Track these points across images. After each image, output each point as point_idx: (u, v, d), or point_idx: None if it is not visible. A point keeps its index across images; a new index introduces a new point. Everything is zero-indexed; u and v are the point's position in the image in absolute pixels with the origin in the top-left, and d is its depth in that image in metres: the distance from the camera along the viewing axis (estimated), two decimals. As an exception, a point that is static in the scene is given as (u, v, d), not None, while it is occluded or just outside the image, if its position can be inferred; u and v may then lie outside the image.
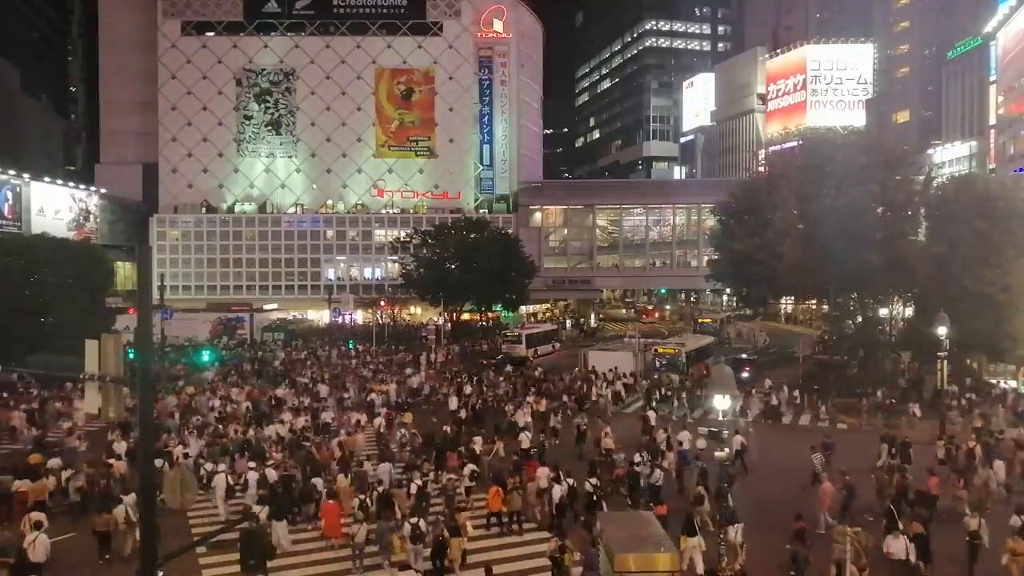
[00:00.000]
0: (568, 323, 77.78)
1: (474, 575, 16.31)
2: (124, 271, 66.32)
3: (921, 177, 41.21)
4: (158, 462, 19.13)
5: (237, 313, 65.37)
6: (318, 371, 42.69)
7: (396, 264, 72.70)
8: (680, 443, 24.53)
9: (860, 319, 43.03)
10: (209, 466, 22.08)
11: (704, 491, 19.49)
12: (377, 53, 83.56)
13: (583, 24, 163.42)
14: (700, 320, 68.11)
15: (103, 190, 78.39)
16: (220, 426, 27.63)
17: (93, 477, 20.69)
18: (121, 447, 23.84)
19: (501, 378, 41.29)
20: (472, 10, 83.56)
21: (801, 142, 59.07)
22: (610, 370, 41.04)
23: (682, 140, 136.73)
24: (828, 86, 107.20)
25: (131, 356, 23.79)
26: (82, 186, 77.06)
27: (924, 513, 18.21)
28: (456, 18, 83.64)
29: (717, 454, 24.06)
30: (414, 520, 16.91)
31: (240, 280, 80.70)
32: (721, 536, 16.86)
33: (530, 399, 32.91)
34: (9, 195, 64.96)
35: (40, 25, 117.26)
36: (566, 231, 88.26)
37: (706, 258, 72.88)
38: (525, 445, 24.53)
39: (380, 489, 19.69)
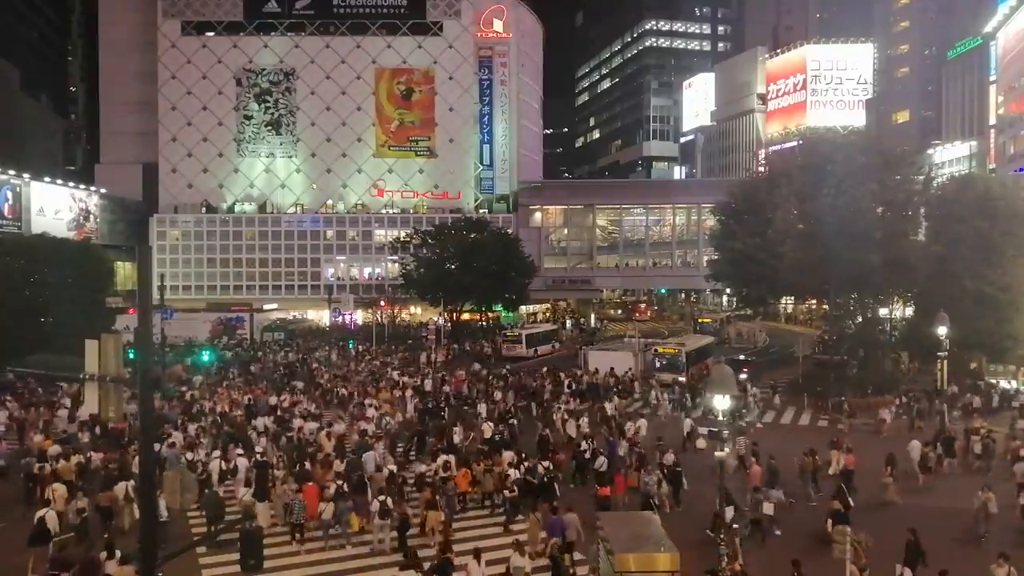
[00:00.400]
0: (568, 323, 77.81)
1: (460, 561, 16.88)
2: (124, 271, 66.32)
3: (921, 177, 41.19)
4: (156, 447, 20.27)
5: (237, 313, 65.45)
6: (330, 379, 41.18)
7: (396, 264, 72.71)
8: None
9: (860, 319, 42.99)
10: (203, 452, 24.04)
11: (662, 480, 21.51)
12: (377, 53, 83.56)
13: (583, 24, 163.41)
14: (700, 320, 68.11)
15: (103, 190, 78.39)
16: (217, 418, 29.55)
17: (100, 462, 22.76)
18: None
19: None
20: (472, 10, 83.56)
21: (801, 142, 58.94)
22: (610, 370, 41.15)
23: (682, 140, 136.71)
24: (828, 86, 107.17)
25: (131, 356, 23.81)
26: (82, 186, 77.05)
27: (843, 487, 20.61)
28: (456, 18, 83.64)
29: (717, 454, 24.00)
30: (382, 498, 18.55)
31: (240, 280, 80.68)
32: (722, 538, 16.85)
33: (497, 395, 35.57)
34: (9, 195, 64.95)
35: (40, 25, 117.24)
36: (566, 231, 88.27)
37: (706, 258, 72.90)
38: (487, 435, 26.60)
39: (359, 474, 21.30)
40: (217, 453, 23.45)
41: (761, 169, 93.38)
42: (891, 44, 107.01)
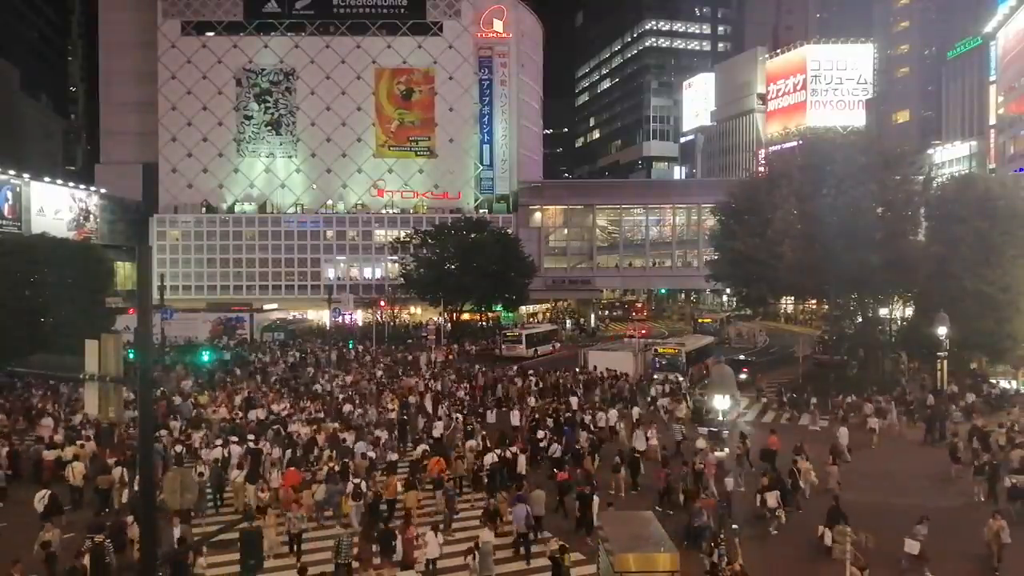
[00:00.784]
0: (568, 323, 77.82)
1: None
2: (124, 271, 66.30)
3: (921, 177, 41.23)
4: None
5: (237, 313, 65.36)
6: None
7: (396, 264, 72.70)
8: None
9: (860, 319, 43.02)
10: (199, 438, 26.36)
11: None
12: (377, 53, 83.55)
13: (583, 24, 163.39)
14: (700, 320, 68.18)
15: (103, 190, 78.38)
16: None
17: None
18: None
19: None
20: (472, 10, 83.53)
21: (801, 142, 58.95)
22: (607, 370, 41.21)
23: (682, 140, 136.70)
24: (828, 86, 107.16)
25: (131, 356, 23.89)
26: (82, 186, 77.03)
27: (767, 466, 22.96)
28: (456, 18, 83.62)
29: (717, 454, 24.07)
30: (356, 481, 20.61)
31: (240, 280, 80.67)
32: (722, 538, 16.87)
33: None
34: (9, 195, 64.94)
35: (40, 25, 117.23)
36: (566, 231, 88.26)
37: (706, 258, 72.87)
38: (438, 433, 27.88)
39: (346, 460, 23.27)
40: (219, 442, 25.36)
41: (761, 169, 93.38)
42: (891, 44, 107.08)
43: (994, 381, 38.84)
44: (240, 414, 31.21)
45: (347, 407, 31.92)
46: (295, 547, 18.60)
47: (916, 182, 40.06)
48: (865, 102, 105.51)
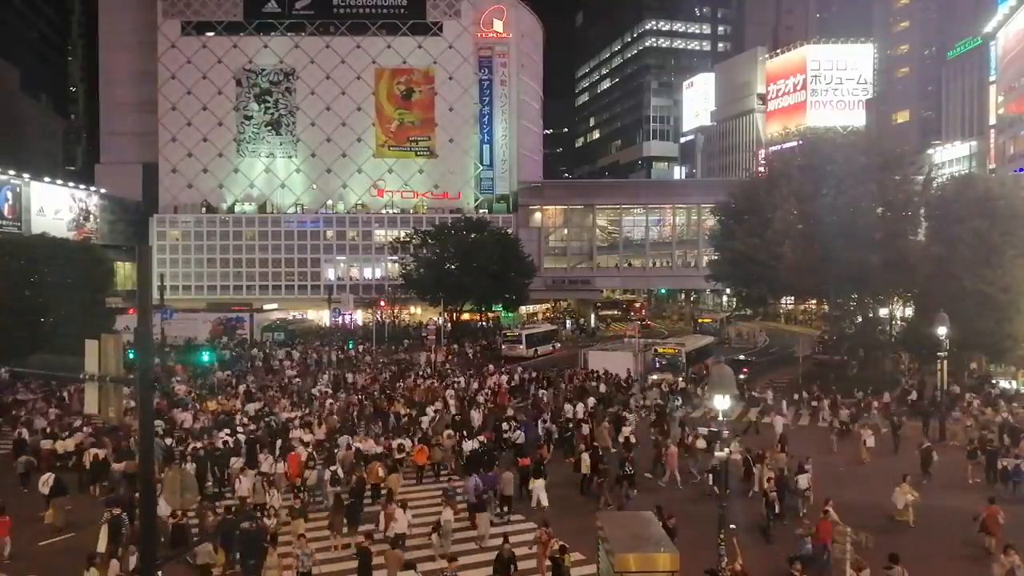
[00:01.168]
0: (568, 323, 77.80)
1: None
2: (124, 271, 66.30)
3: (921, 177, 41.26)
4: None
5: (237, 313, 65.32)
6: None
7: (396, 264, 72.68)
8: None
9: (860, 319, 43.05)
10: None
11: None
12: (377, 53, 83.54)
13: (583, 24, 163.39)
14: (700, 320, 68.22)
15: (103, 190, 78.35)
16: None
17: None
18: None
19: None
20: (472, 10, 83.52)
21: (801, 142, 58.98)
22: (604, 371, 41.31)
23: (682, 140, 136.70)
24: (828, 86, 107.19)
25: (131, 356, 23.94)
26: (82, 186, 77.01)
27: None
28: (456, 18, 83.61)
29: (717, 454, 24.04)
30: (333, 468, 22.42)
31: (240, 280, 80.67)
32: (721, 537, 16.87)
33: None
34: (9, 195, 64.94)
35: (40, 25, 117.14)
36: (566, 231, 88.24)
37: (706, 258, 72.89)
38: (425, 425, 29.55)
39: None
40: (226, 431, 27.11)
41: (761, 169, 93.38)
42: (891, 44, 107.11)
43: (994, 381, 38.87)
44: (240, 406, 32.21)
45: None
46: None
47: (916, 182, 40.11)
48: (865, 102, 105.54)
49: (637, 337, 46.91)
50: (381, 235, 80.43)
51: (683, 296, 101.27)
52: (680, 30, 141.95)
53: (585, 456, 23.72)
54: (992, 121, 77.01)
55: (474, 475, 21.37)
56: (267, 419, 29.82)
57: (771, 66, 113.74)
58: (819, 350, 48.73)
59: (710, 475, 22.48)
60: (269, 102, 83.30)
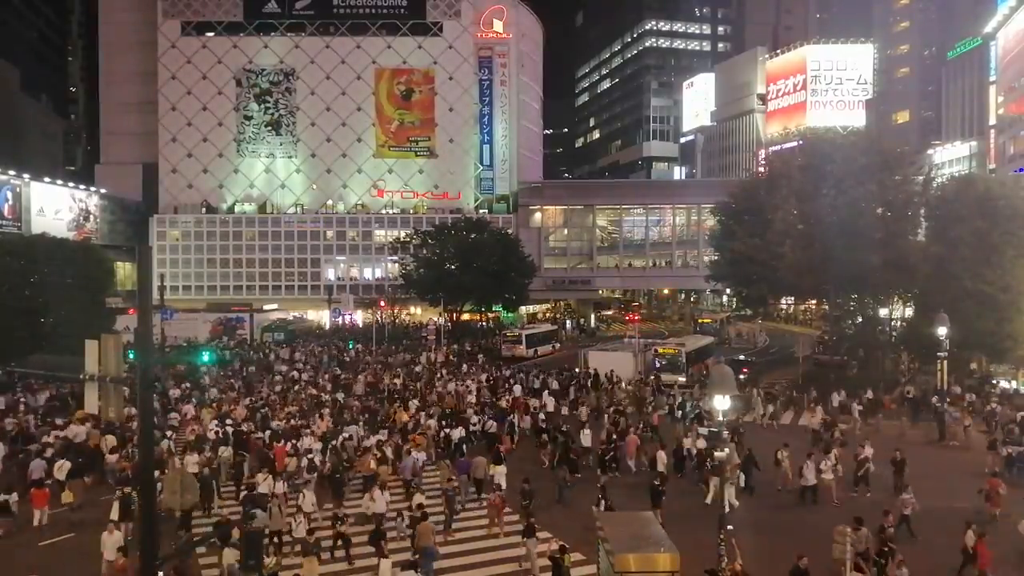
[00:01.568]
0: (568, 323, 77.77)
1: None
2: (124, 271, 66.27)
3: (921, 177, 41.24)
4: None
5: (237, 313, 65.34)
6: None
7: (396, 264, 72.68)
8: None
9: (860, 319, 43.04)
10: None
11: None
12: (377, 53, 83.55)
13: (583, 24, 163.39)
14: (700, 320, 68.18)
15: (103, 190, 78.37)
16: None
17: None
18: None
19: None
20: (472, 10, 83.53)
21: (801, 142, 58.96)
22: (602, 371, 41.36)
23: (682, 140, 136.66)
24: (828, 86, 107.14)
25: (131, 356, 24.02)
26: (82, 186, 77.03)
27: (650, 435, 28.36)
28: (456, 18, 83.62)
29: (717, 454, 24.04)
30: (311, 456, 24.61)
31: (240, 280, 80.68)
32: (721, 537, 16.87)
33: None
34: (9, 195, 64.95)
35: (40, 25, 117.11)
36: (566, 231, 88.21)
37: (706, 258, 72.85)
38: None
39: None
40: (216, 423, 29.24)
41: (761, 169, 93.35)
42: (891, 44, 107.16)
43: (995, 381, 38.87)
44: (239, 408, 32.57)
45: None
46: None
47: (916, 182, 40.09)
48: (865, 102, 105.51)
49: (637, 337, 46.91)
50: (381, 235, 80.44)
51: (683, 296, 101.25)
52: (680, 30, 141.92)
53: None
54: (992, 121, 76.99)
55: (409, 457, 24.50)
56: (262, 411, 31.21)
57: (771, 66, 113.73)
58: (819, 350, 48.73)
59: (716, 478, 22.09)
60: (269, 102, 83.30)
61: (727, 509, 20.44)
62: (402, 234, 72.77)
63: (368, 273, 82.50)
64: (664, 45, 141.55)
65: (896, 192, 37.82)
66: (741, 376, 40.22)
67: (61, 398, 35.99)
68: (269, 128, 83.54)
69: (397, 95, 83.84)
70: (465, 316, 68.17)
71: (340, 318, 63.78)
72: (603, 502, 19.95)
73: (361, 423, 29.96)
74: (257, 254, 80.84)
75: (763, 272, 47.84)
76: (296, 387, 39.16)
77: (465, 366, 48.31)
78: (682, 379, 40.96)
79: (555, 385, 39.51)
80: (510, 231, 74.07)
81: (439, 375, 43.03)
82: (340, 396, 36.38)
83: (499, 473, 23.30)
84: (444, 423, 29.97)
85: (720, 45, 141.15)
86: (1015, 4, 70.16)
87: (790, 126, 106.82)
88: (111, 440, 26.07)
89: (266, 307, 73.33)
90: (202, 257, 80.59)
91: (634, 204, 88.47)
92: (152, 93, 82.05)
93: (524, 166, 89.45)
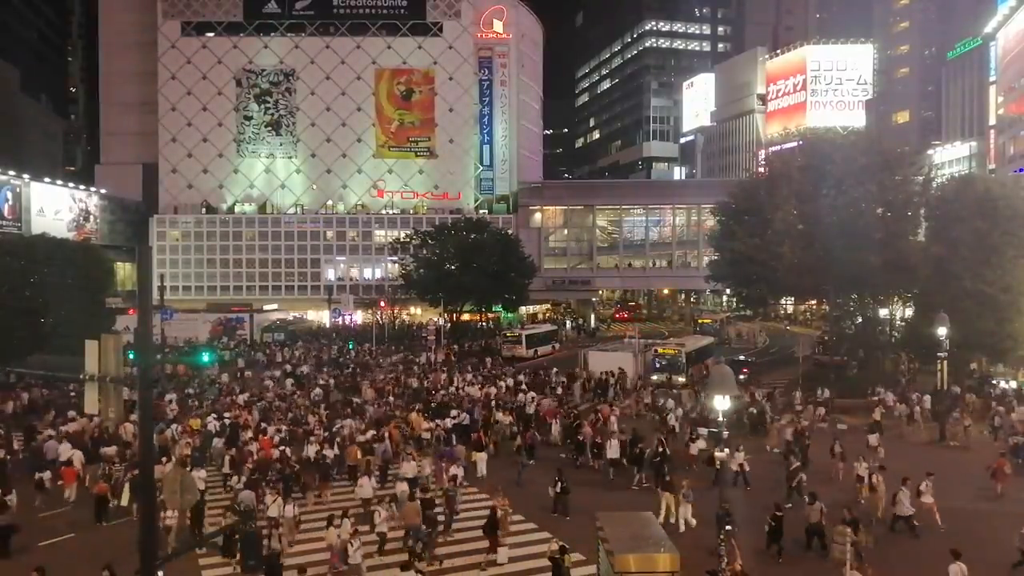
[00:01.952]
0: (568, 323, 77.75)
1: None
2: (124, 271, 66.31)
3: (921, 177, 41.21)
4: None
5: (237, 313, 65.32)
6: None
7: (396, 264, 72.68)
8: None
9: (860, 319, 43.02)
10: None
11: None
12: (377, 53, 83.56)
13: (583, 24, 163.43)
14: (700, 321, 68.16)
15: (103, 190, 78.38)
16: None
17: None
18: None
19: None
20: (472, 10, 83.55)
21: (801, 142, 58.92)
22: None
23: (682, 140, 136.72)
24: (828, 86, 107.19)
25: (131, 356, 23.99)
26: (82, 186, 77.05)
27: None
28: (456, 18, 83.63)
29: (717, 454, 24.03)
30: (288, 448, 26.07)
31: (240, 280, 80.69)
32: (721, 537, 16.87)
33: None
34: (9, 195, 64.95)
35: (40, 25, 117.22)
36: (566, 231, 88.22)
37: (706, 258, 72.83)
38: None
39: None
40: (213, 416, 30.32)
41: (761, 170, 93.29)
42: (891, 44, 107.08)
43: (995, 381, 38.84)
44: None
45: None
46: None
47: (916, 183, 40.05)
48: (865, 102, 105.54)
49: (637, 337, 46.88)
50: (381, 235, 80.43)
51: (683, 296, 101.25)
52: (680, 30, 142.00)
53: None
54: (992, 121, 76.98)
55: (380, 444, 26.31)
56: (257, 403, 33.25)
57: (771, 66, 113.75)
58: (819, 350, 48.72)
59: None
60: (269, 102, 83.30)
61: (681, 529, 20.20)
62: (402, 234, 72.73)
63: (368, 273, 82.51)
64: (664, 45, 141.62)
65: (896, 192, 37.80)
66: (741, 376, 40.24)
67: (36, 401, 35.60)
68: (269, 128, 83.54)
69: (397, 95, 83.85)
70: (465, 316, 68.15)
71: (340, 318, 63.71)
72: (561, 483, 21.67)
73: (357, 419, 30.69)
74: (257, 254, 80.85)
75: (763, 272, 47.79)
76: (294, 391, 38.68)
77: (470, 369, 46.37)
78: (682, 379, 40.99)
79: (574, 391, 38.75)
80: (510, 231, 74.02)
81: (451, 380, 41.94)
82: (339, 397, 36.33)
83: (480, 459, 25.68)
84: (428, 416, 31.50)
85: (720, 45, 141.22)
86: (1015, 4, 70.16)
87: (790, 126, 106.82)
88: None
89: (266, 307, 73.30)
90: (202, 257, 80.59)
91: (634, 204, 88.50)
92: (152, 93, 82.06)
93: (524, 166, 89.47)
